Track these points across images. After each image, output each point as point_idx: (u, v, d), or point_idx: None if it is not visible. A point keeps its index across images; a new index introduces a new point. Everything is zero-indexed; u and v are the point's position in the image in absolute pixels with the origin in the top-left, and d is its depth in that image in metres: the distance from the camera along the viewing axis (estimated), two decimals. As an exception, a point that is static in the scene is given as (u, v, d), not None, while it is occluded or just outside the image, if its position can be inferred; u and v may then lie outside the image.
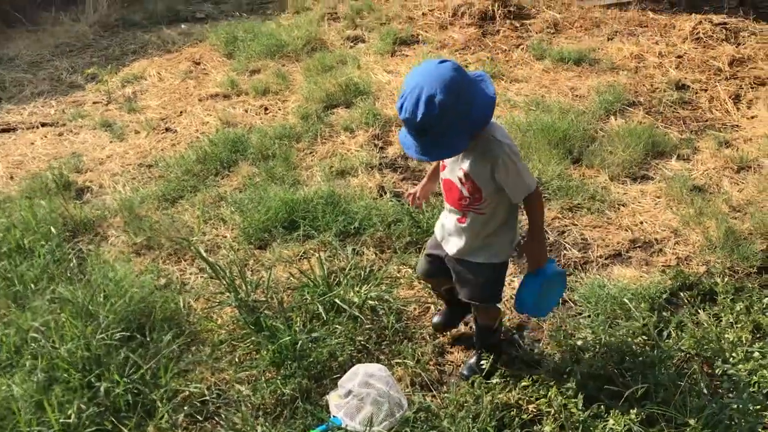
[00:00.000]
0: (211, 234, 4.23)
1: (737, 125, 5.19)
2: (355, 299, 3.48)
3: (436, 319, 3.33)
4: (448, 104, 2.29)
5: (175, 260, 4.04)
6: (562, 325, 3.27)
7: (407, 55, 6.99)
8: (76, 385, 2.95)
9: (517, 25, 7.40)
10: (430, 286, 3.48)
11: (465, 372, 3.04)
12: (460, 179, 2.60)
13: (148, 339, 3.27)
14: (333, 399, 2.84)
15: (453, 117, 2.32)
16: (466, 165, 2.56)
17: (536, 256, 2.71)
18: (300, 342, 3.12)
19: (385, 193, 4.52)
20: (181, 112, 6.13)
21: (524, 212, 2.71)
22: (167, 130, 5.82)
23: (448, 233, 2.81)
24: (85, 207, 4.64)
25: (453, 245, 2.79)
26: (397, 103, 2.38)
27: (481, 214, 2.64)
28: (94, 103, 6.59)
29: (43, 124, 6.18)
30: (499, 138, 2.48)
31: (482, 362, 2.93)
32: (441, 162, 2.75)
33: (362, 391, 2.82)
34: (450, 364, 3.17)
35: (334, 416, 2.79)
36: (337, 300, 3.42)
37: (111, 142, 5.71)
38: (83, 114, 6.27)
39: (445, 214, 2.83)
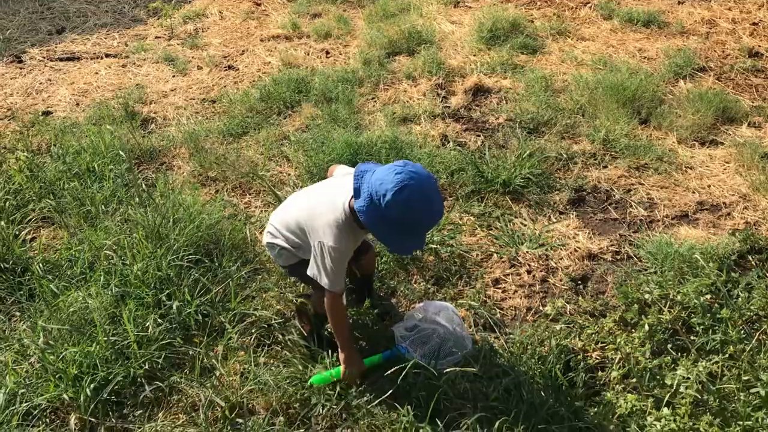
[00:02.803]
0: (274, 170, 4.27)
1: (811, 96, 5.04)
2: (419, 241, 3.50)
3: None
4: None
5: (240, 193, 4.10)
6: (627, 279, 3.26)
7: (471, 7, 6.89)
8: (150, 302, 3.04)
9: (585, -17, 7.21)
10: None
11: None
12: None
13: (216, 264, 3.34)
14: (399, 331, 2.88)
15: None
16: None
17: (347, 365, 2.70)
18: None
19: (448, 141, 4.51)
20: (243, 51, 6.14)
21: None
22: (229, 67, 5.85)
23: None
24: (151, 137, 4.71)
25: None
26: (437, 212, 2.38)
27: None
28: (156, 37, 6.63)
29: (107, 55, 6.24)
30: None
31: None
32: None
33: (428, 326, 2.86)
34: (512, 309, 3.19)
35: (398, 345, 2.83)
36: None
37: (173, 76, 5.76)
38: (146, 47, 6.32)
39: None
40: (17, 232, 3.69)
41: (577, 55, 5.66)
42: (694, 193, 3.97)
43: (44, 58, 6.20)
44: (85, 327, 2.94)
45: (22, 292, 3.28)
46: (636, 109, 4.71)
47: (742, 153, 4.23)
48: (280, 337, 3.00)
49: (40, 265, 3.35)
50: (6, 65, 6.04)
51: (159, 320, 2.95)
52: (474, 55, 5.74)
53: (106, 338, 2.84)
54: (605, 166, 4.22)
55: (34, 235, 3.77)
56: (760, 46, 5.70)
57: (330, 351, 2.83)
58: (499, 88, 5.18)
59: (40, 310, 3.10)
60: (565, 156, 4.27)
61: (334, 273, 2.52)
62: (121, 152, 4.22)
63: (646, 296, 3.00)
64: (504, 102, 5.01)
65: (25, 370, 2.83)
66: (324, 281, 2.54)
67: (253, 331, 3.03)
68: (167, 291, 3.10)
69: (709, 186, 4.03)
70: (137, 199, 3.80)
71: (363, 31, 6.31)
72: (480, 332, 3.01)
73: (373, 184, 2.33)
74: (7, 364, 2.80)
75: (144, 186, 4.02)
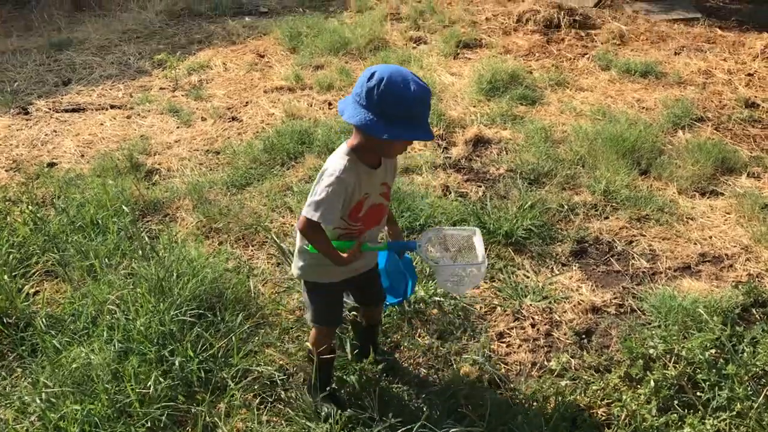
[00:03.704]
0: (278, 221, 4.29)
1: (809, 146, 5.10)
2: (421, 293, 3.51)
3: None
4: None
5: (243, 245, 4.11)
6: (632, 333, 3.25)
7: (470, 58, 7.01)
8: (153, 358, 3.03)
9: (583, 34, 7.37)
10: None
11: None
12: (384, 194, 2.59)
13: (219, 318, 3.33)
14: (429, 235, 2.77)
15: None
16: (384, 178, 2.56)
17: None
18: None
19: (450, 192, 4.54)
20: (246, 103, 6.23)
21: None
22: (233, 119, 5.92)
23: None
24: (155, 188, 4.75)
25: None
26: (414, 88, 2.25)
27: None
28: (160, 88, 6.74)
29: (112, 106, 6.33)
30: None
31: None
32: (358, 202, 2.53)
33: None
34: (517, 364, 3.18)
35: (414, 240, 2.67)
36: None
37: (178, 127, 5.83)
38: (150, 99, 6.41)
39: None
40: (20, 287, 3.69)
41: (576, 105, 5.74)
42: (696, 244, 3.98)
43: (50, 109, 6.28)
44: (87, 384, 2.92)
45: (24, 348, 3.26)
46: (636, 159, 4.76)
47: (743, 204, 4.25)
48: (283, 393, 2.98)
49: (43, 320, 3.34)
50: (13, 117, 6.11)
51: (161, 378, 2.93)
52: (474, 106, 5.82)
53: (107, 396, 2.82)
54: (606, 218, 4.24)
55: (38, 288, 3.77)
56: (756, 96, 5.79)
57: (332, 410, 2.79)
58: (500, 139, 5.24)
59: (42, 366, 3.08)
60: (566, 207, 4.29)
61: (324, 199, 2.37)
62: (124, 207, 4.24)
63: (651, 351, 2.99)
64: (504, 153, 5.06)
65: (25, 428, 2.80)
66: (310, 200, 2.38)
67: (255, 387, 3.01)
68: (170, 347, 3.09)
69: (710, 237, 4.04)
70: (140, 252, 3.81)
71: (365, 82, 6.39)
72: (486, 388, 2.99)
73: (350, 98, 2.35)
74: (8, 422, 2.78)
75: (147, 239, 4.03)
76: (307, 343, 2.93)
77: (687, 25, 7.73)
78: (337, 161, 2.41)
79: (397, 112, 2.26)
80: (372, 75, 2.27)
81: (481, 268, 2.62)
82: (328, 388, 2.87)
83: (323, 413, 2.82)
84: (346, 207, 2.45)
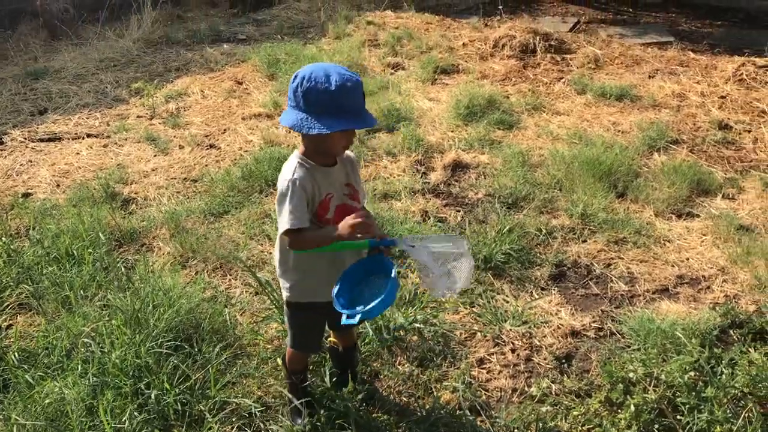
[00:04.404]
0: (256, 249, 4.27)
1: (782, 167, 5.17)
2: (401, 320, 3.49)
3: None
4: None
5: (221, 274, 4.08)
6: (611, 357, 3.25)
7: (447, 84, 7.06)
8: (128, 392, 2.98)
9: (558, 59, 7.45)
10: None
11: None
12: (350, 196, 2.57)
13: (196, 350, 3.29)
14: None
15: None
16: (346, 178, 2.57)
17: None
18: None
19: (429, 217, 4.54)
20: (224, 130, 6.21)
21: None
22: (211, 146, 5.90)
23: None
24: (132, 217, 4.70)
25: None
26: (335, 80, 2.28)
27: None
28: (138, 117, 6.70)
29: (89, 135, 6.29)
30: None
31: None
32: (322, 202, 2.50)
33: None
34: (497, 390, 3.16)
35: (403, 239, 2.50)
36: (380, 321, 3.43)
37: (155, 155, 5.79)
38: (127, 127, 6.37)
39: (334, 254, 2.56)
40: (-7, 320, 3.62)
41: (553, 129, 5.79)
42: (673, 266, 4.00)
43: (26, 139, 6.23)
44: (61, 420, 2.87)
45: (-5, 383, 3.20)
46: (612, 182, 4.80)
47: (718, 225, 4.29)
48: (262, 425, 2.94)
49: (16, 354, 3.28)
50: (-13, 147, 6.05)
51: (136, 412, 2.88)
52: (452, 131, 5.85)
53: (81, 432, 2.76)
54: (584, 241, 4.26)
55: (11, 322, 3.70)
56: (729, 118, 5.87)
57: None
58: (477, 164, 5.27)
59: (14, 402, 3.02)
60: (544, 231, 4.30)
61: (290, 208, 2.37)
62: (101, 235, 4.20)
63: (631, 375, 2.98)
64: (482, 177, 5.08)
65: (-4, 467, 2.74)
66: (284, 219, 2.38)
67: (233, 419, 2.97)
68: (146, 380, 3.04)
69: (687, 259, 4.07)
70: (116, 283, 3.77)
71: (343, 108, 6.40)
72: (466, 416, 2.97)
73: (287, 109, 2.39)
74: (-22, 462, 2.71)
75: (123, 269, 3.98)
76: (279, 360, 3.01)
77: (660, 49, 7.85)
78: (287, 167, 2.47)
79: (323, 106, 2.30)
80: (296, 76, 2.34)
81: (466, 256, 2.46)
82: (299, 401, 2.89)
83: (295, 427, 2.87)
84: (311, 207, 2.46)
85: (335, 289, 2.43)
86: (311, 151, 2.46)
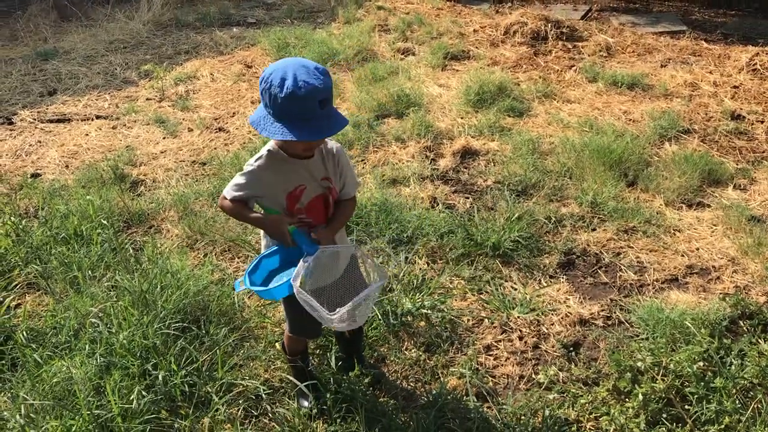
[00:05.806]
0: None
1: (794, 158, 5.13)
2: (408, 305, 3.48)
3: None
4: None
5: (229, 257, 4.07)
6: (620, 346, 3.24)
7: (458, 70, 7.02)
8: (135, 372, 2.98)
9: (570, 46, 7.39)
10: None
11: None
12: (329, 189, 2.55)
13: (203, 332, 3.29)
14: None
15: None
16: (324, 172, 2.52)
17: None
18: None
19: (438, 204, 4.52)
20: (233, 113, 6.20)
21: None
22: (220, 129, 5.89)
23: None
24: (140, 199, 4.70)
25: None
26: (289, 83, 2.17)
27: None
28: (147, 99, 6.70)
29: (98, 117, 6.29)
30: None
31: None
32: (291, 194, 2.48)
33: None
34: (504, 377, 3.15)
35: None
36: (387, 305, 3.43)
37: (164, 138, 5.79)
38: (136, 109, 6.37)
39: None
40: (1, 299, 3.63)
41: (563, 117, 5.75)
42: (683, 256, 3.98)
43: (35, 119, 6.23)
44: (68, 399, 2.87)
45: (4, 362, 3.20)
46: (623, 171, 4.76)
47: (729, 215, 4.26)
48: (269, 408, 2.94)
49: (24, 333, 3.29)
50: (-4, 127, 6.06)
51: (144, 392, 2.88)
52: (462, 118, 5.81)
53: (89, 411, 2.76)
54: (594, 229, 4.23)
55: (19, 301, 3.71)
56: (741, 108, 5.81)
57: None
58: (487, 151, 5.24)
59: (22, 381, 3.03)
60: (553, 219, 4.28)
61: (237, 185, 2.49)
62: (103, 221, 4.20)
63: (639, 364, 2.97)
64: (492, 164, 5.05)
65: (4, 445, 2.75)
66: (227, 186, 2.53)
67: (240, 401, 2.97)
68: (153, 361, 3.04)
69: (697, 249, 4.04)
70: (124, 264, 3.77)
71: (352, 93, 6.39)
72: (472, 402, 2.96)
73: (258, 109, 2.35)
74: (-14, 439, 2.73)
75: (132, 251, 3.99)
76: (277, 344, 3.06)
77: (673, 38, 7.78)
78: (257, 154, 2.49)
79: (277, 109, 2.23)
80: (262, 80, 2.27)
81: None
82: (303, 384, 2.90)
83: (302, 410, 2.88)
84: (273, 197, 2.48)
85: (264, 256, 2.57)
86: (281, 144, 2.44)
